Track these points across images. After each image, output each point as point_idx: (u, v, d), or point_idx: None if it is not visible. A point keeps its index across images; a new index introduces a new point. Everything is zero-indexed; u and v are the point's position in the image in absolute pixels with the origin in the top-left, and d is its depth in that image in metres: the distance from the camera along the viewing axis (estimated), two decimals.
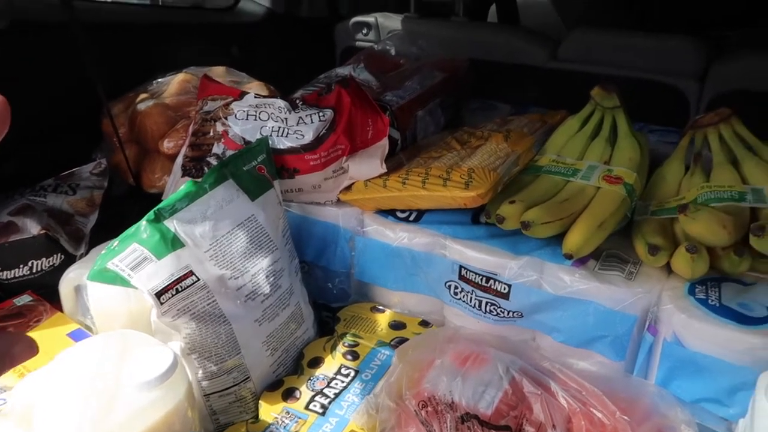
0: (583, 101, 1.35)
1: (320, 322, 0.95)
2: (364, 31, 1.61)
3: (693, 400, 0.72)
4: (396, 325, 0.89)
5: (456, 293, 0.86)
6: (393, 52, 1.28)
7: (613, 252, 0.80)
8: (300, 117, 0.91)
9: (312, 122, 0.91)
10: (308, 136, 0.90)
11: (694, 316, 0.69)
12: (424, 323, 0.90)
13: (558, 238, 0.79)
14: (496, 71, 1.44)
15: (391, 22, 1.57)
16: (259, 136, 0.91)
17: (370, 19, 1.59)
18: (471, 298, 0.84)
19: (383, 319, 0.90)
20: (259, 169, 0.85)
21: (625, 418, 0.68)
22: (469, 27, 1.51)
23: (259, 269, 0.79)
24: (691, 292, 0.72)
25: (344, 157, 0.92)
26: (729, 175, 0.79)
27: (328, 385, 0.78)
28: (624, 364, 0.78)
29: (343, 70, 1.18)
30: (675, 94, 1.26)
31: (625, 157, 0.83)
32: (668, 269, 0.76)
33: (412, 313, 0.92)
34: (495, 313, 0.83)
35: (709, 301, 0.70)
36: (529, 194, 0.81)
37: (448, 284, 0.87)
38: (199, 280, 0.73)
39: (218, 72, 1.25)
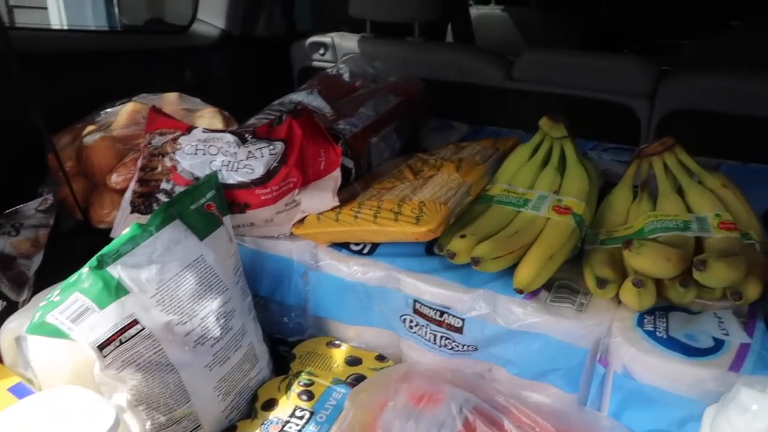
0: (533, 120, 1.37)
1: (277, 357, 0.94)
2: (321, 51, 1.60)
3: None
4: (352, 361, 0.88)
5: (411, 327, 0.86)
6: (348, 75, 1.27)
7: (565, 282, 0.81)
8: (250, 151, 0.89)
9: (262, 156, 0.90)
10: (259, 171, 0.89)
11: (642, 349, 0.69)
12: (381, 358, 0.89)
13: (511, 270, 0.79)
14: (452, 91, 1.44)
15: (347, 42, 1.56)
16: (208, 171, 0.90)
17: (326, 39, 1.58)
18: (426, 332, 0.84)
19: (339, 355, 0.89)
20: (208, 207, 0.83)
21: None
22: (425, 47, 1.51)
23: (208, 312, 0.77)
24: (640, 323, 0.73)
25: (296, 190, 0.91)
26: (674, 204, 0.80)
27: (282, 430, 0.77)
28: (578, 396, 0.78)
29: (297, 96, 1.16)
30: (626, 113, 1.29)
31: (574, 186, 0.84)
32: (618, 299, 0.77)
33: (369, 346, 0.92)
34: (450, 347, 0.82)
35: (657, 332, 0.71)
36: (480, 227, 0.81)
37: (403, 318, 0.86)
38: (144, 328, 0.71)
39: (170, 99, 1.23)
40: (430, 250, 0.88)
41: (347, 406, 0.72)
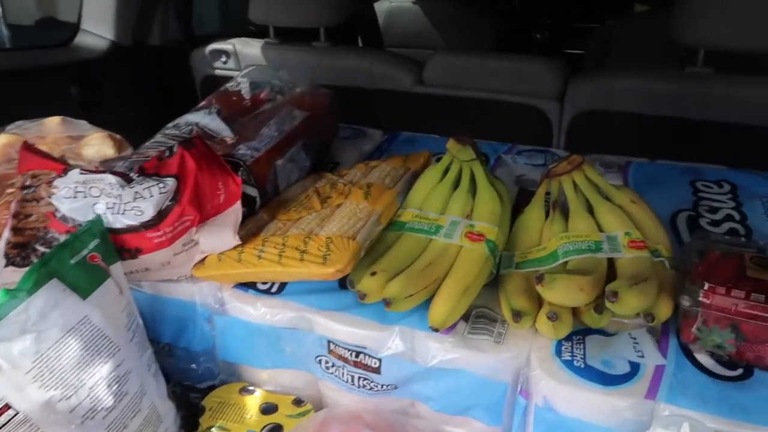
0: (453, 124, 1.35)
1: (188, 405, 0.87)
2: (223, 59, 1.51)
3: None
4: (267, 409, 0.83)
5: (328, 368, 0.81)
6: (249, 89, 1.19)
7: (482, 311, 0.78)
8: (136, 191, 0.81)
9: (151, 195, 0.81)
10: (148, 212, 0.81)
11: (560, 380, 0.68)
12: (298, 402, 0.84)
13: (428, 302, 0.76)
14: (364, 97, 1.40)
15: (250, 48, 1.48)
16: (91, 216, 0.81)
17: (227, 46, 1.49)
18: (343, 373, 0.79)
19: (253, 403, 0.84)
20: (92, 258, 0.74)
21: None
22: (332, 52, 1.45)
23: (98, 379, 0.70)
24: (558, 351, 0.71)
25: (194, 228, 0.84)
26: (585, 223, 0.78)
27: None
28: (502, 428, 0.76)
29: (194, 117, 1.08)
30: (538, 115, 1.28)
31: (486, 210, 0.81)
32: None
33: (286, 389, 0.86)
34: (369, 387, 0.78)
35: (575, 362, 0.70)
36: (392, 260, 0.77)
37: (318, 359, 0.81)
38: (18, 413, 0.62)
39: (52, 125, 1.11)
40: (344, 285, 0.83)
41: None
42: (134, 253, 0.82)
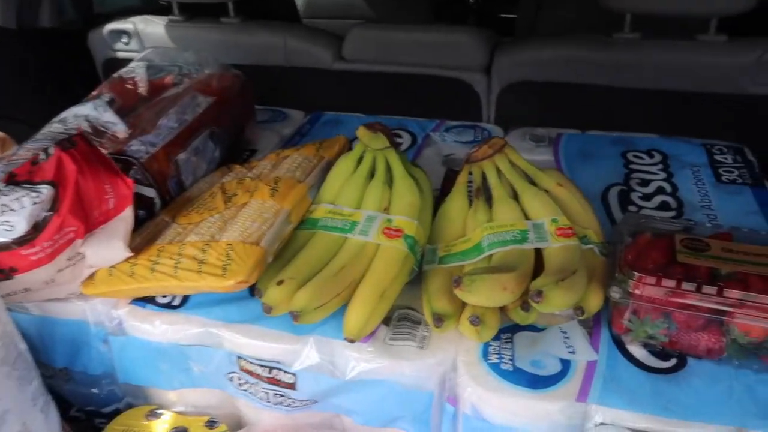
0: (377, 102, 1.27)
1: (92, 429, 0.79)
2: (125, 40, 1.37)
3: None
4: None
5: (240, 384, 0.74)
6: (146, 75, 1.07)
7: (405, 313, 0.72)
8: (4, 204, 0.70)
9: (23, 207, 0.71)
10: (21, 227, 0.70)
11: (488, 386, 0.63)
12: (211, 423, 0.76)
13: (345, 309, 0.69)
14: (282, 76, 1.30)
15: (153, 27, 1.35)
16: None
17: (127, 26, 1.35)
18: (257, 390, 0.72)
19: (161, 428, 0.76)
20: None
21: None
22: (243, 29, 1.34)
23: None
24: (485, 353, 0.66)
25: (79, 241, 0.74)
26: (510, 211, 0.73)
27: None
28: None
29: (83, 109, 0.96)
30: (465, 89, 1.21)
31: (404, 203, 0.74)
32: None
33: (198, 409, 0.79)
34: (286, 404, 0.72)
35: (502, 365, 0.64)
36: (302, 265, 0.70)
37: (229, 376, 0.74)
38: None
39: None
40: (254, 293, 0.75)
41: None
42: (8, 273, 0.72)
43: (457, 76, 1.21)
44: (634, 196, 0.95)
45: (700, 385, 0.62)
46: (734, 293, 0.59)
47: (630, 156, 1.06)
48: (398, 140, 1.15)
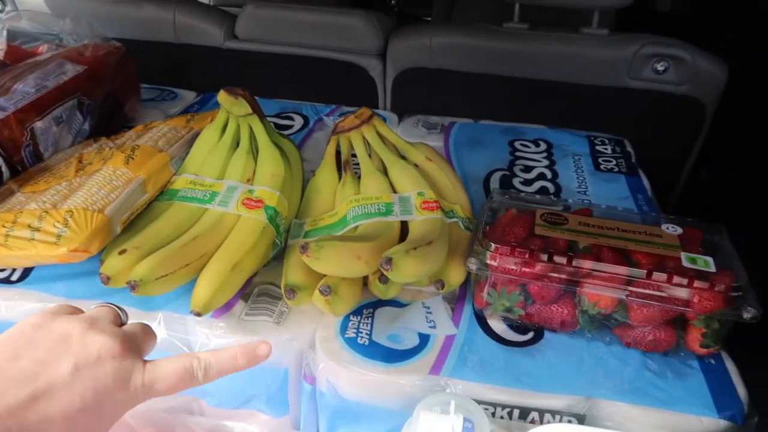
0: (272, 85, 1.23)
1: None
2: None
3: None
4: None
5: None
6: (5, 38, 0.99)
7: (265, 288, 0.68)
8: None
9: None
10: None
11: (343, 362, 0.60)
12: None
13: None
14: (171, 53, 1.23)
15: None
16: None
17: None
18: None
19: None
20: None
21: None
22: (131, 1, 1.27)
23: None
24: (344, 329, 0.64)
25: None
26: (377, 184, 0.71)
27: None
28: (290, 418, 0.68)
29: None
30: (360, 73, 1.20)
31: (266, 173, 0.71)
32: None
33: None
34: None
35: (359, 339, 0.62)
36: (151, 235, 0.65)
37: None
38: None
39: None
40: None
41: None
42: None
43: (352, 60, 1.19)
44: (516, 181, 0.96)
45: (553, 357, 0.62)
46: (584, 263, 0.59)
47: (517, 144, 1.08)
48: (289, 123, 1.12)
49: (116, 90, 1.06)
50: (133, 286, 0.58)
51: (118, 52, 1.07)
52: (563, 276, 0.60)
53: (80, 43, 1.08)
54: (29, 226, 0.63)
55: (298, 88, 1.19)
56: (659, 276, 0.58)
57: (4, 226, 0.64)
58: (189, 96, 1.23)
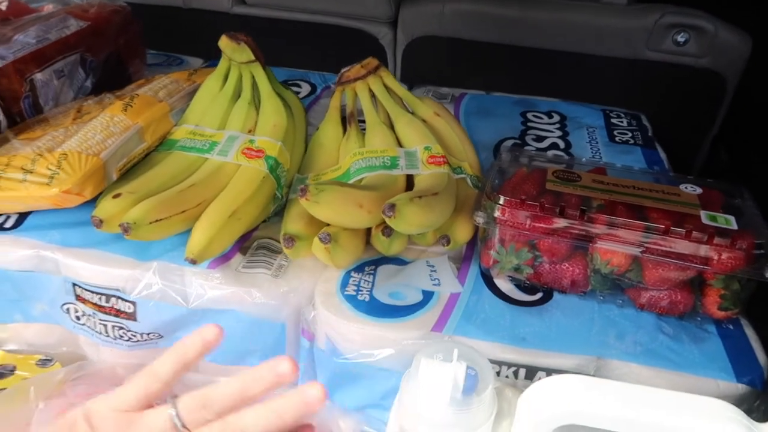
0: (280, 52, 1.20)
1: None
2: None
3: (357, 408, 0.62)
4: (3, 372, 0.66)
5: (78, 317, 0.66)
6: None
7: (265, 242, 0.66)
8: None
9: None
10: None
11: (341, 317, 0.58)
12: (44, 362, 0.68)
13: None
14: (179, 19, 1.21)
15: None
16: None
17: None
18: (94, 322, 0.65)
19: None
20: None
21: None
22: None
23: None
24: (344, 285, 0.61)
25: None
26: (382, 138, 0.68)
27: None
28: None
29: None
30: (371, 41, 1.17)
31: (268, 123, 0.68)
32: None
33: (34, 347, 0.70)
34: (126, 338, 0.64)
35: (359, 296, 0.60)
36: (148, 182, 0.63)
37: (66, 307, 0.66)
38: None
39: None
40: None
41: None
42: None
43: (363, 27, 1.16)
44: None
45: (562, 317, 0.59)
46: (598, 218, 0.57)
47: (529, 115, 1.05)
48: (296, 90, 1.09)
49: (120, 50, 1.04)
50: (125, 229, 0.56)
51: (123, 11, 1.05)
52: (575, 231, 0.57)
53: (77, 5, 1.06)
54: (22, 168, 0.61)
55: (306, 56, 1.16)
56: (677, 232, 0.55)
57: None
58: (196, 62, 1.21)
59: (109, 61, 1.00)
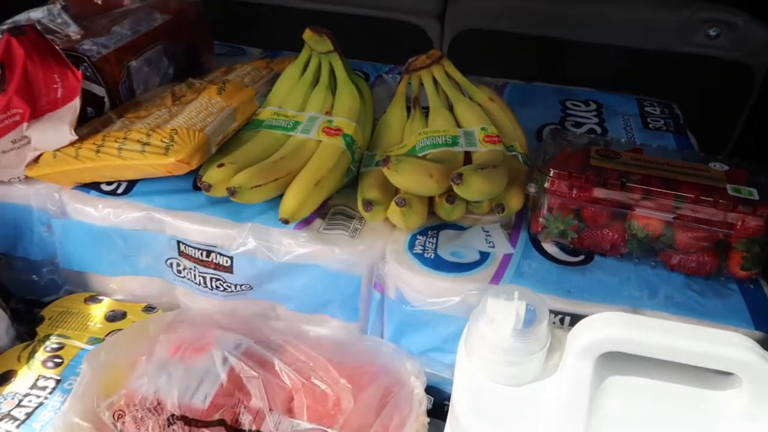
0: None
1: (31, 322, 0.80)
2: None
3: (421, 351, 0.72)
4: (114, 317, 0.78)
5: (179, 271, 0.77)
6: None
7: (340, 209, 0.76)
8: None
9: None
10: None
11: (411, 271, 0.67)
12: (149, 309, 0.79)
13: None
14: (242, 12, 1.31)
15: None
16: None
17: None
18: (194, 275, 0.75)
19: (98, 311, 0.78)
20: None
21: (348, 385, 0.65)
22: None
23: None
24: (411, 245, 0.71)
25: (25, 124, 0.76)
26: (444, 120, 0.78)
27: (18, 405, 0.65)
28: (359, 324, 0.75)
29: (37, 14, 0.97)
30: (418, 34, 1.26)
31: (344, 106, 0.78)
32: (393, 223, 0.74)
33: (137, 297, 0.81)
34: (222, 288, 0.75)
35: (425, 254, 0.69)
36: (244, 154, 0.73)
37: (169, 262, 0.77)
38: None
39: None
40: (196, 186, 0.78)
41: (83, 370, 0.61)
42: None
43: (411, 20, 1.25)
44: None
45: (602, 275, 0.68)
46: (636, 188, 0.65)
47: (568, 104, 1.13)
48: None
49: (195, 41, 1.15)
50: (232, 192, 0.66)
51: (195, 6, 1.16)
52: (615, 200, 0.66)
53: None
54: (139, 141, 0.72)
55: (358, 47, 1.25)
56: (705, 201, 0.63)
57: (116, 141, 0.73)
58: (255, 53, 1.31)
59: (186, 51, 1.11)
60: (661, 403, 0.51)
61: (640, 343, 0.50)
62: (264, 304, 0.79)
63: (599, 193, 0.66)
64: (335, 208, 0.76)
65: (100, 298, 0.80)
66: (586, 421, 0.51)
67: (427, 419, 0.66)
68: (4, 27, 0.92)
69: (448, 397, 0.74)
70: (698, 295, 0.66)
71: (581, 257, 0.71)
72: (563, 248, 0.72)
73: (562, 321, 0.65)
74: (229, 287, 0.75)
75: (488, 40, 1.23)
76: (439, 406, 0.74)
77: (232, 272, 0.73)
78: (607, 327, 0.51)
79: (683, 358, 0.48)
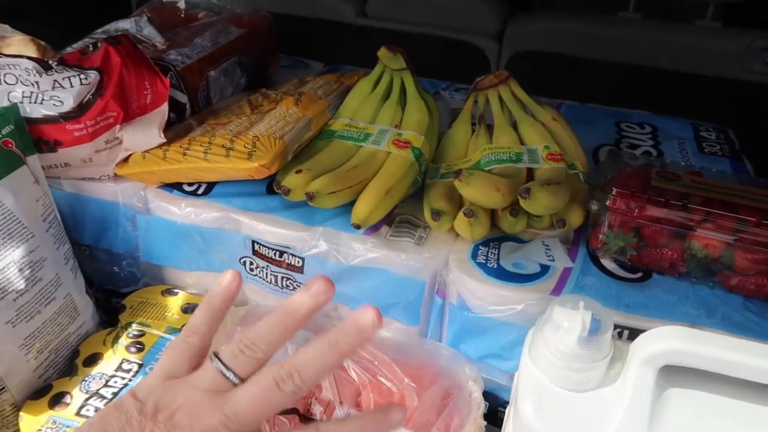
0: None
1: (109, 310, 0.86)
2: None
3: (479, 357, 0.74)
4: (189, 309, 0.83)
5: (252, 269, 0.82)
6: (183, 5, 1.16)
7: (406, 217, 0.80)
8: (55, 80, 0.78)
9: (72, 86, 0.79)
10: (69, 103, 0.78)
11: (474, 279, 0.71)
12: None
13: (352, 207, 0.77)
14: (305, 27, 1.38)
15: None
16: (6, 104, 0.78)
17: None
18: (266, 273, 0.80)
19: (175, 303, 0.83)
20: (6, 144, 0.72)
21: (412, 384, 0.68)
22: None
23: (9, 262, 0.68)
24: (474, 255, 0.74)
25: (118, 126, 0.82)
26: (508, 137, 0.81)
27: (105, 385, 0.71)
28: (419, 328, 0.79)
29: (125, 24, 1.04)
30: (477, 53, 1.30)
31: (413, 120, 0.82)
32: (456, 233, 0.77)
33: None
34: (291, 287, 0.80)
35: (488, 263, 0.73)
36: (319, 162, 0.78)
37: (242, 260, 0.82)
38: None
39: None
40: (271, 189, 0.83)
41: None
42: (53, 146, 0.80)
43: (471, 40, 1.29)
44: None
45: (661, 292, 0.70)
46: (698, 210, 0.67)
47: (623, 126, 1.15)
48: None
49: (265, 53, 1.21)
50: (310, 197, 0.71)
51: (267, 20, 1.22)
52: (676, 220, 0.68)
53: (235, 11, 1.23)
54: (223, 146, 0.77)
55: (417, 64, 1.30)
56: (766, 224, 0.65)
57: (202, 145, 0.78)
58: (317, 66, 1.37)
59: (257, 63, 1.17)
60: (724, 419, 0.53)
61: (704, 357, 0.52)
62: (328, 304, 0.83)
63: (660, 212, 0.69)
64: (401, 217, 0.80)
65: (176, 291, 0.86)
66: (647, 429, 0.53)
67: (484, 423, 0.69)
68: (101, 36, 0.99)
69: (503, 404, 0.77)
70: (756, 316, 0.67)
71: (639, 274, 0.73)
72: (621, 265, 0.74)
73: (620, 335, 0.68)
74: (298, 287, 0.79)
75: (544, 62, 1.26)
76: (493, 413, 0.77)
77: (302, 272, 0.78)
78: (671, 339, 0.53)
79: (747, 374, 0.50)
